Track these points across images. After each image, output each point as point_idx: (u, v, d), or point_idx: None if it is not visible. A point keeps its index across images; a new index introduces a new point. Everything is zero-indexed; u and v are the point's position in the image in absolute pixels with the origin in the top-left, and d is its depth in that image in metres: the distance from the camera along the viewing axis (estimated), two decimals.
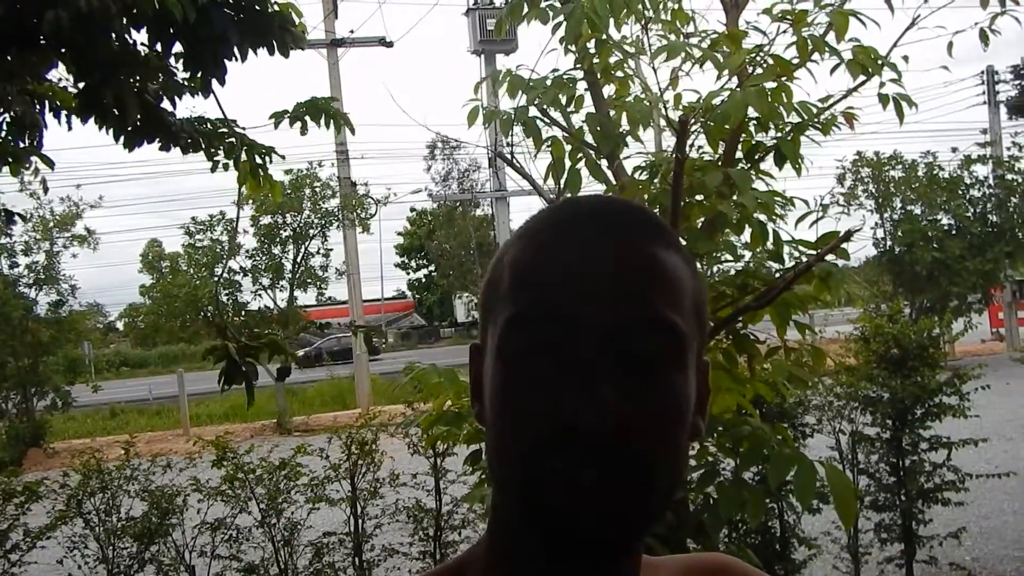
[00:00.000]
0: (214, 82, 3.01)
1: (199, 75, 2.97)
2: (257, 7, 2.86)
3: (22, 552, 4.40)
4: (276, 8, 2.94)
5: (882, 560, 5.15)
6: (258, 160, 3.52)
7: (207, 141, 3.33)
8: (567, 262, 0.59)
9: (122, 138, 3.04)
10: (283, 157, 3.74)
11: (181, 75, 3.10)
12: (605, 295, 0.57)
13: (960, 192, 17.66)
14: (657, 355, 0.58)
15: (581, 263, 0.59)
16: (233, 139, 3.43)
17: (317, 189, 16.45)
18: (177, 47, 2.89)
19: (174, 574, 4.52)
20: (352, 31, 18.31)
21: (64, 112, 3.13)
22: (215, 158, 3.47)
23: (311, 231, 16.65)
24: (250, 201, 14.39)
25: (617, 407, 0.55)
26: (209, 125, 3.38)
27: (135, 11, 2.57)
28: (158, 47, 2.88)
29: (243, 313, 16.76)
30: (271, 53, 2.97)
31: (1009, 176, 17.88)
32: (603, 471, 0.55)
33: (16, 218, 3.83)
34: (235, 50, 2.85)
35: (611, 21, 3.03)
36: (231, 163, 3.50)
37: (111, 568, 4.48)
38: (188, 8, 2.50)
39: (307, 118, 3.52)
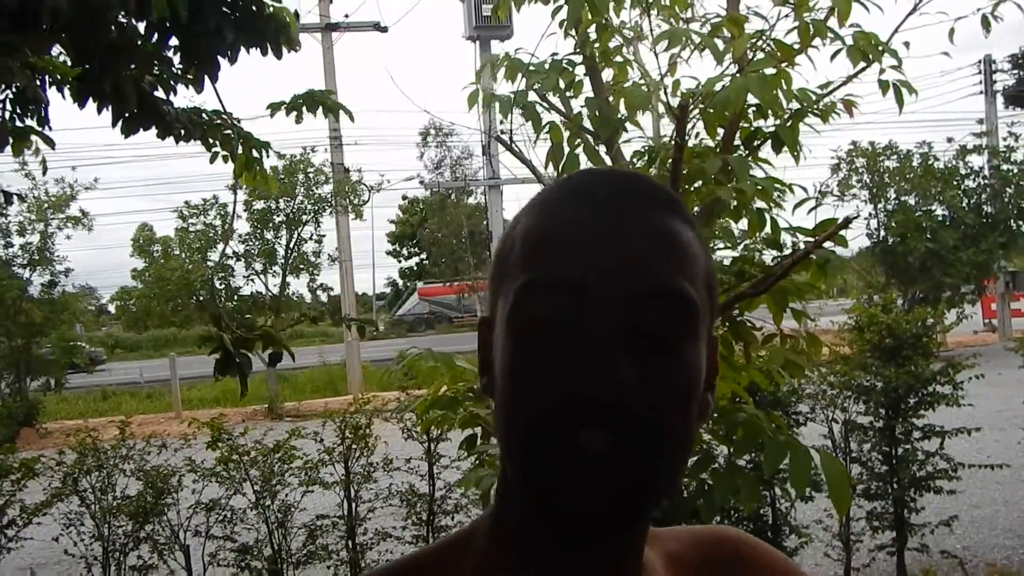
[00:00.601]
0: (216, 68, 3.00)
1: (193, 69, 2.98)
2: (253, 7, 2.87)
3: (18, 528, 4.42)
4: (271, 10, 2.95)
5: (873, 548, 5.19)
6: (254, 153, 3.52)
7: (203, 132, 3.34)
8: (580, 231, 0.58)
9: (120, 124, 3.04)
10: (280, 155, 3.77)
11: (177, 66, 3.11)
12: (619, 264, 0.57)
13: (955, 183, 17.69)
14: (670, 326, 0.57)
15: (594, 232, 0.58)
16: (230, 131, 3.43)
17: (310, 175, 16.38)
18: (173, 40, 2.89)
19: (168, 553, 4.53)
20: (347, 15, 18.23)
21: (67, 86, 3.11)
22: (213, 149, 3.47)
23: (304, 217, 16.59)
24: (243, 186, 14.34)
25: (628, 376, 0.55)
26: (205, 116, 3.38)
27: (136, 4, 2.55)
28: (154, 38, 2.89)
29: (235, 298, 16.73)
30: (264, 54, 2.99)
31: (1004, 167, 17.92)
32: (612, 439, 0.55)
33: (14, 199, 3.81)
34: (228, 48, 2.86)
35: (611, 5, 3.02)
36: (228, 155, 3.51)
37: (106, 546, 4.50)
38: (181, 5, 2.49)
39: (304, 108, 3.52)
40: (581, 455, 0.55)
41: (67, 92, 3.13)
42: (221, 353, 3.00)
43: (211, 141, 3.40)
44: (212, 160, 3.52)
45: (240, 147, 3.43)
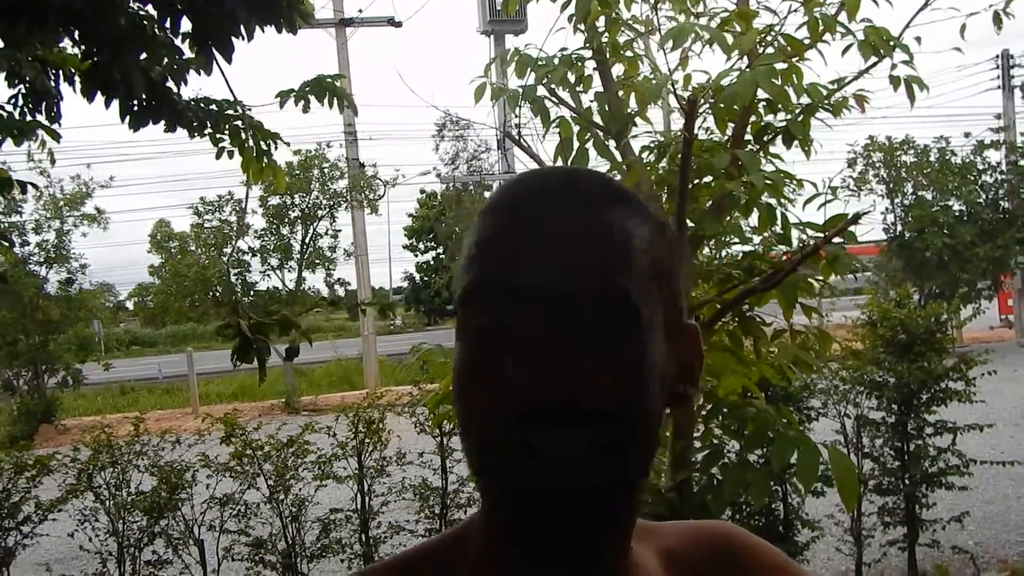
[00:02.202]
0: (222, 62, 2.99)
1: (203, 52, 2.95)
2: None
3: (34, 524, 4.47)
4: None
5: (884, 543, 5.17)
6: (263, 146, 3.50)
7: (213, 123, 3.32)
8: (516, 235, 0.58)
9: (128, 117, 3.05)
10: (287, 144, 3.75)
11: (187, 55, 3.10)
12: (554, 266, 0.57)
13: (972, 178, 17.52)
14: (607, 322, 0.57)
15: (530, 235, 0.58)
16: (239, 122, 3.42)
17: (326, 170, 16.44)
18: (184, 25, 2.88)
19: (183, 548, 4.57)
20: (361, 10, 18.23)
21: (78, 79, 3.11)
22: (220, 143, 3.45)
23: (319, 212, 16.65)
24: (254, 183, 14.42)
25: (570, 376, 0.55)
26: (215, 107, 3.36)
27: None
28: (166, 24, 2.88)
29: (252, 293, 16.83)
30: (279, 31, 2.97)
31: (1022, 162, 17.74)
32: (561, 440, 0.55)
33: (28, 188, 3.80)
34: (242, 29, 2.85)
35: None
36: (236, 149, 3.49)
37: (121, 541, 4.53)
38: None
39: (312, 97, 3.49)
40: (543, 455, 0.55)
41: (78, 88, 3.13)
42: (239, 339, 3.01)
43: (218, 136, 3.39)
44: (218, 156, 3.50)
45: (250, 139, 3.42)
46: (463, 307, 0.59)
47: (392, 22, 18.12)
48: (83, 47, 2.84)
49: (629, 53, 3.29)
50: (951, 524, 5.10)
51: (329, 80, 3.42)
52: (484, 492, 0.63)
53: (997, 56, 20.99)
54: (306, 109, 3.41)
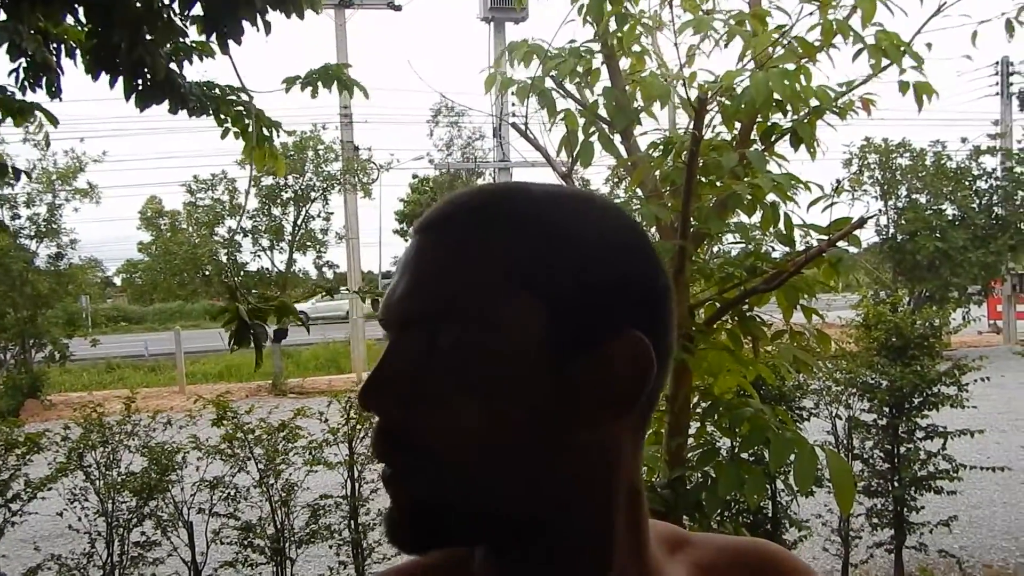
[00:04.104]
0: (231, 45, 2.98)
1: (216, 36, 2.95)
2: None
3: (23, 502, 4.43)
4: None
5: (872, 544, 5.21)
6: (265, 132, 3.50)
7: (216, 107, 3.33)
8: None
9: (133, 97, 3.03)
10: (290, 133, 3.76)
11: (193, 38, 3.10)
12: (390, 294, 0.60)
13: (967, 183, 17.60)
14: (397, 344, 0.58)
15: (398, 264, 0.62)
16: (241, 107, 3.42)
17: (320, 152, 16.35)
18: (195, 9, 2.87)
19: (172, 530, 4.55)
20: None
21: (80, 56, 3.08)
22: (224, 124, 3.46)
23: (312, 194, 16.57)
24: (247, 164, 14.31)
25: (364, 392, 0.57)
26: (218, 91, 3.37)
27: None
28: (173, 5, 2.87)
29: (242, 273, 16.75)
30: (287, 16, 2.97)
31: (1018, 169, 17.83)
32: (385, 459, 0.58)
33: (22, 175, 3.79)
34: (256, 16, 2.85)
35: None
36: (240, 131, 3.50)
37: (110, 521, 4.51)
38: None
39: (319, 83, 3.50)
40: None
41: (79, 62, 3.09)
42: (236, 324, 3.00)
43: (223, 116, 3.39)
44: (223, 136, 3.52)
45: (251, 125, 3.42)
46: None
47: (392, 5, 18.00)
48: (90, 26, 2.80)
49: (637, 48, 3.27)
50: (938, 528, 5.14)
51: (337, 67, 3.42)
52: None
53: (997, 63, 21.05)
54: (314, 95, 3.40)
